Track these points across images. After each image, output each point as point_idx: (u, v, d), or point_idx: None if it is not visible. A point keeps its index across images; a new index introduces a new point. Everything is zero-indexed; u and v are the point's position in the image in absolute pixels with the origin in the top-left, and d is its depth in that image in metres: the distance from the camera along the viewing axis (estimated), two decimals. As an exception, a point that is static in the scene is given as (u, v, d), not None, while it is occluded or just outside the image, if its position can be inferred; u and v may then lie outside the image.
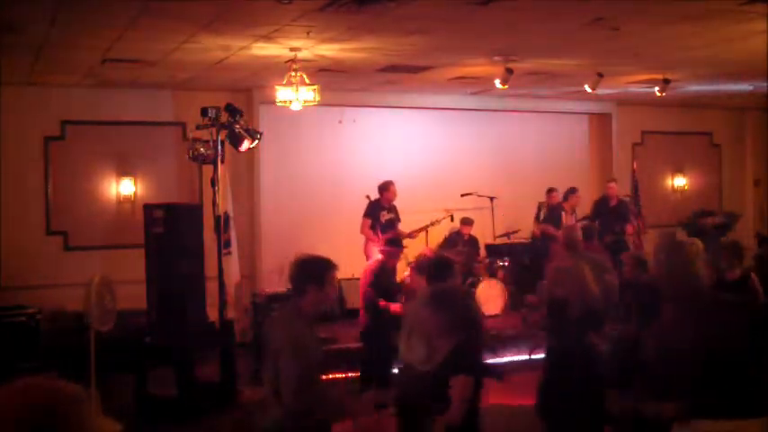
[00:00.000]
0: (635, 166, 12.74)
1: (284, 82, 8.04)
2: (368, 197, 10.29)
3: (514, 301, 10.46)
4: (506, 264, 11.01)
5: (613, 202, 11.58)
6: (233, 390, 7.90)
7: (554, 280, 4.72)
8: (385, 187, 10.34)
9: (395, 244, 7.40)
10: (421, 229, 10.61)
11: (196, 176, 10.20)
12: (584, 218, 11.50)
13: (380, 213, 10.34)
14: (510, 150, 12.57)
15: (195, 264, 7.88)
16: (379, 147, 11.68)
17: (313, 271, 4.12)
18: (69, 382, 1.82)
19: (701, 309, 3.77)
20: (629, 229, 11.71)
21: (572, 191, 11.57)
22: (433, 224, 10.69)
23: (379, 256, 8.13)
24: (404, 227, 10.58)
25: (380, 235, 10.19)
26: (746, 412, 3.50)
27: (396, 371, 6.14)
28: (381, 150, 11.67)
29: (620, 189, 12.24)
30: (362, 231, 10.21)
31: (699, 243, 4.06)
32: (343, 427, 4.28)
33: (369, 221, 10.28)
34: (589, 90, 9.79)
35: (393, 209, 10.47)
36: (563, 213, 11.39)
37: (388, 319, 7.16)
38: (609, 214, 11.22)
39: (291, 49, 7.66)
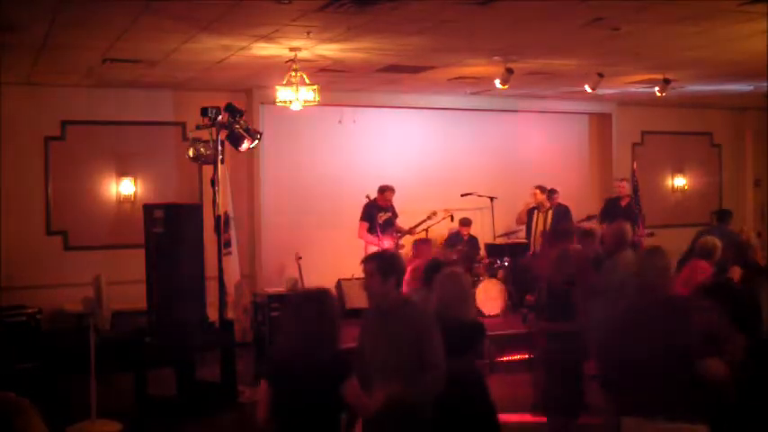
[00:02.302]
0: (635, 166, 12.73)
1: (284, 82, 8.04)
2: (368, 197, 10.29)
3: (514, 302, 10.47)
4: (506, 264, 11.01)
5: (624, 202, 11.54)
6: (233, 390, 7.90)
7: (440, 283, 4.89)
8: (381, 190, 10.36)
9: None
10: (419, 224, 10.58)
11: (196, 176, 10.20)
12: (589, 216, 11.45)
13: (377, 215, 10.34)
14: (510, 150, 12.56)
15: (195, 264, 7.87)
16: (379, 147, 11.68)
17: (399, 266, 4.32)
18: (10, 393, 1.89)
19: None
20: (641, 230, 11.62)
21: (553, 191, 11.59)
22: (430, 217, 10.63)
23: None
24: (404, 227, 10.60)
25: (380, 235, 10.19)
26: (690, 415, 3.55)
27: None
28: (381, 150, 11.67)
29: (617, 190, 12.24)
30: (359, 235, 10.18)
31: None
32: None
33: (365, 224, 10.26)
34: (589, 90, 9.78)
35: (390, 208, 10.46)
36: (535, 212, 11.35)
37: None
38: (619, 214, 11.15)
39: (291, 49, 7.66)
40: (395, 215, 10.53)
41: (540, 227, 11.21)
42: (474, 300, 5.63)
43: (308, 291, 4.27)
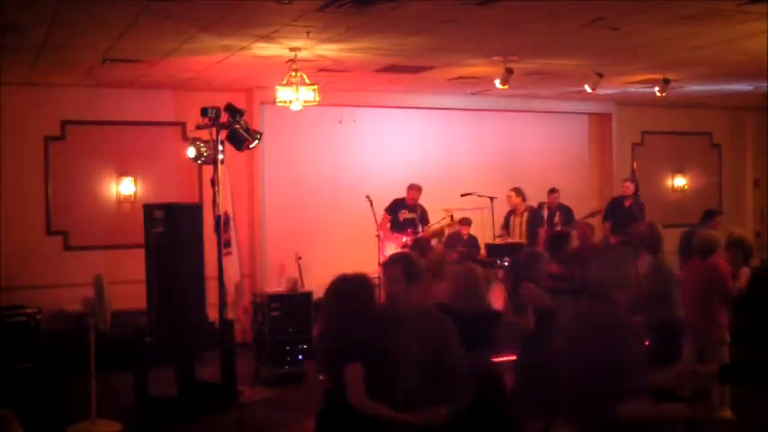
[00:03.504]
0: (635, 166, 12.74)
1: (284, 82, 8.04)
2: (367, 197, 10.30)
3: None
4: (506, 264, 10.99)
5: (628, 203, 11.51)
6: (233, 390, 7.90)
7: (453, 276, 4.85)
8: (408, 187, 10.45)
9: None
10: (437, 232, 10.57)
11: (196, 176, 10.21)
12: (593, 213, 11.40)
13: (400, 212, 10.39)
14: (510, 150, 12.57)
15: (195, 264, 7.88)
16: (379, 147, 11.68)
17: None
18: None
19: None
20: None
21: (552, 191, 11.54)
22: (450, 226, 10.68)
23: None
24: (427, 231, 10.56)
25: (386, 232, 10.24)
26: None
27: None
28: (381, 150, 11.67)
29: (620, 189, 12.22)
30: (380, 226, 10.37)
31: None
32: None
33: (388, 217, 10.40)
34: (589, 90, 9.78)
35: (416, 209, 10.45)
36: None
37: None
38: (622, 214, 11.12)
39: (291, 49, 7.66)
40: (423, 220, 10.49)
41: (517, 231, 11.05)
42: (487, 290, 5.47)
43: (347, 276, 4.17)
